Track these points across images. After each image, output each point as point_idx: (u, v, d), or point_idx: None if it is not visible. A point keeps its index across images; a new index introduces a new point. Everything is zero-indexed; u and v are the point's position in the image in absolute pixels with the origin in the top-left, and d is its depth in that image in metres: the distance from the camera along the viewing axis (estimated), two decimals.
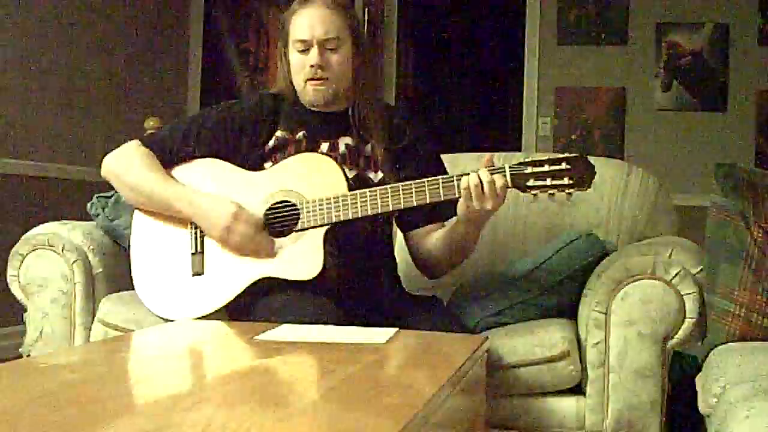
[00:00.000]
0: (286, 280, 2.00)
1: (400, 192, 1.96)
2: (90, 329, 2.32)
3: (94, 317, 2.32)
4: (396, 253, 2.31)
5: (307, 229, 2.00)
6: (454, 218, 2.00)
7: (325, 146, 2.11)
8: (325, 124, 2.13)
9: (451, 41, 7.13)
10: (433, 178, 1.95)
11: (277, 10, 5.13)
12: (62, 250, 2.33)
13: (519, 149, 4.96)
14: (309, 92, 2.09)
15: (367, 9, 5.09)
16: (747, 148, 4.69)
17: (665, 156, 4.76)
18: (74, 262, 2.33)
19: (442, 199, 1.94)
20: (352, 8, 2.19)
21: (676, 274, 1.95)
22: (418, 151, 2.16)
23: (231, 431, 1.05)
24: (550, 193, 1.92)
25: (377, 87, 2.34)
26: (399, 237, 2.37)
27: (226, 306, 2.05)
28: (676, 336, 1.95)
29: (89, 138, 4.29)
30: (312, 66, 2.06)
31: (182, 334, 1.88)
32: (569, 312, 2.16)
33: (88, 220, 2.53)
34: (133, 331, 2.15)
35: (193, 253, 2.08)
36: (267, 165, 2.11)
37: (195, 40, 5.29)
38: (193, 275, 2.07)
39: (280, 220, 2.04)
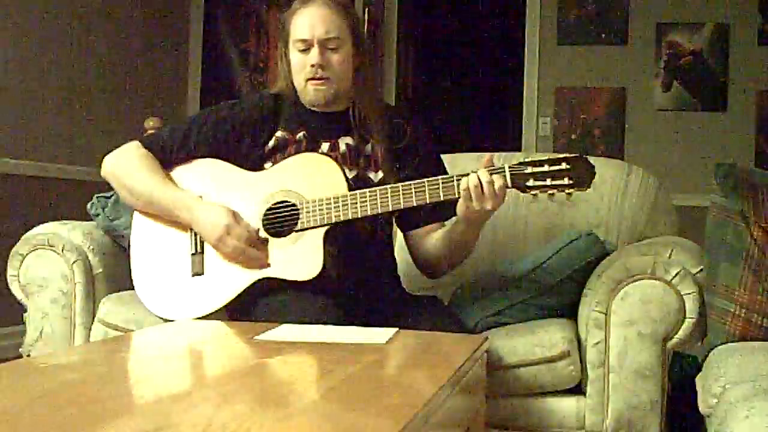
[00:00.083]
0: (286, 280, 2.00)
1: (400, 192, 1.96)
2: (90, 329, 2.32)
3: (94, 317, 2.32)
4: (396, 253, 2.31)
5: (307, 229, 2.00)
6: (454, 218, 2.00)
7: (325, 146, 2.11)
8: (326, 124, 2.13)
9: (451, 41, 7.13)
10: (432, 178, 1.95)
11: (277, 10, 5.13)
12: (62, 250, 2.33)
13: (519, 149, 4.96)
14: (309, 92, 2.09)
15: (367, 9, 5.09)
16: (747, 148, 4.69)
17: (665, 156, 4.76)
18: (74, 262, 2.33)
19: (442, 199, 1.94)
20: (352, 8, 2.19)
21: (676, 274, 1.95)
22: (419, 151, 2.16)
23: (231, 431, 1.05)
24: (549, 194, 1.92)
25: (377, 87, 2.34)
26: (399, 237, 2.37)
27: (226, 306, 2.05)
28: (676, 336, 1.95)
29: (89, 138, 4.29)
30: (313, 65, 2.06)
31: (182, 334, 1.88)
32: (569, 312, 2.16)
33: (88, 220, 2.53)
34: (133, 331, 2.15)
35: (193, 254, 2.08)
36: (267, 165, 2.11)
37: (195, 40, 5.29)
38: (193, 275, 2.07)
39: (280, 221, 2.04)
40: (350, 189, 2.00)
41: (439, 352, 1.70)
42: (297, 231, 2.01)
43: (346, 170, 2.07)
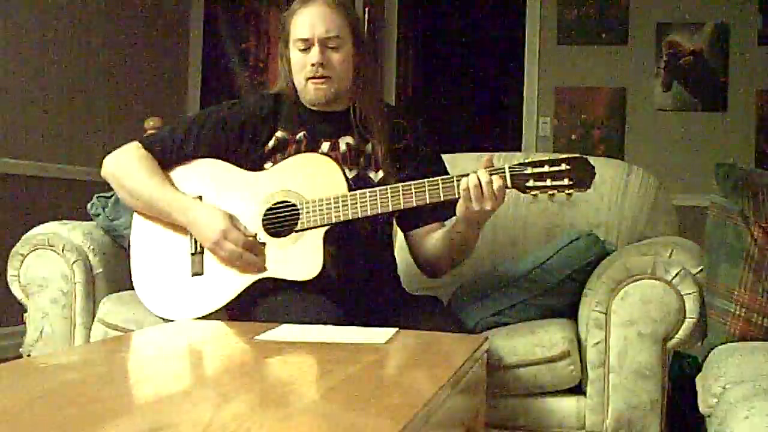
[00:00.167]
0: (286, 280, 2.00)
1: (400, 192, 1.96)
2: (90, 329, 2.32)
3: (94, 317, 2.32)
4: (396, 253, 2.31)
5: (307, 229, 2.00)
6: (454, 218, 2.00)
7: (325, 146, 2.11)
8: (326, 124, 2.13)
9: (451, 41, 7.13)
10: (432, 178, 1.95)
11: (277, 10, 5.13)
12: (62, 250, 2.33)
13: (519, 149, 4.96)
14: (310, 91, 2.09)
15: (367, 9, 5.09)
16: (747, 148, 4.69)
17: (665, 156, 4.76)
18: (74, 262, 2.33)
19: (442, 199, 1.94)
20: (352, 8, 2.19)
21: (676, 274, 1.95)
22: (419, 151, 2.16)
23: (231, 431, 1.05)
24: (549, 194, 1.92)
25: (378, 87, 2.34)
26: (399, 237, 2.38)
27: (226, 306, 2.05)
28: (677, 336, 1.95)
29: (89, 138, 4.29)
30: (313, 64, 2.06)
31: (182, 334, 1.88)
32: (569, 312, 2.16)
33: (88, 220, 2.53)
34: (133, 331, 2.15)
35: (192, 254, 2.08)
36: (267, 165, 2.11)
37: (195, 40, 5.29)
38: (193, 275, 2.07)
39: (280, 221, 2.04)
40: (350, 189, 2.00)
41: (439, 352, 1.70)
42: (297, 231, 2.01)
43: (347, 170, 2.07)
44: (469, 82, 7.18)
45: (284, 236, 2.03)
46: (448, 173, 2.07)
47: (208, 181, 2.12)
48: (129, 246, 2.19)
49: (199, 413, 1.16)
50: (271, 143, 2.12)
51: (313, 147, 2.11)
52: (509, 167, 1.91)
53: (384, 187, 1.98)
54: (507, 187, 1.91)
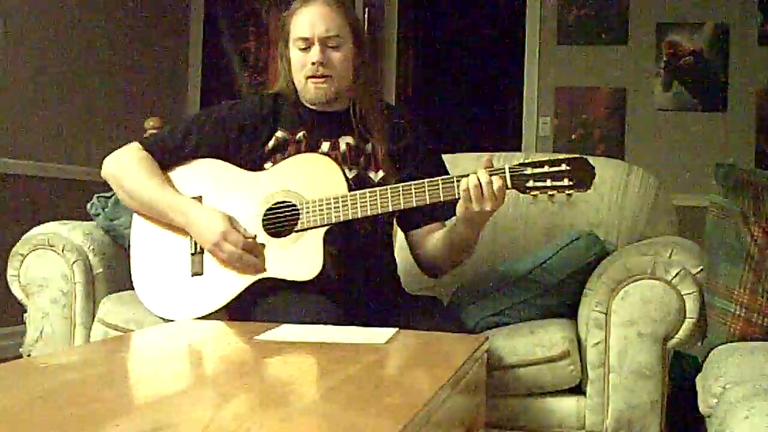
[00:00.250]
0: (286, 280, 2.00)
1: (400, 192, 1.96)
2: (90, 329, 2.32)
3: (94, 317, 2.32)
4: (396, 253, 2.31)
5: (307, 229, 2.00)
6: (455, 218, 2.00)
7: (325, 146, 2.11)
8: (326, 124, 2.13)
9: (451, 41, 7.13)
10: (432, 179, 1.95)
11: (277, 10, 5.13)
12: (62, 250, 2.33)
13: (519, 149, 4.96)
14: (310, 90, 2.09)
15: (367, 9, 5.09)
16: (747, 148, 4.69)
17: (665, 156, 4.76)
18: (74, 262, 2.33)
19: (442, 199, 1.94)
20: (352, 8, 2.19)
21: (676, 274, 1.95)
22: (419, 151, 2.16)
23: (231, 431, 1.05)
24: (549, 194, 1.92)
25: (378, 87, 2.34)
26: (399, 237, 2.38)
27: (226, 306, 2.05)
28: (677, 336, 1.95)
29: (89, 138, 4.29)
30: (313, 63, 2.06)
31: (182, 334, 1.88)
32: (569, 312, 2.16)
33: (88, 220, 2.53)
34: (133, 331, 2.15)
35: (192, 254, 2.08)
36: (267, 165, 2.11)
37: (195, 40, 5.30)
38: (193, 275, 2.07)
39: (281, 221, 2.04)
40: (350, 189, 2.00)
41: (439, 352, 1.70)
42: (297, 231, 2.01)
43: (346, 170, 2.07)
44: (469, 82, 7.18)
45: (284, 236, 2.03)
46: (448, 173, 2.07)
47: (208, 181, 2.12)
48: (129, 246, 2.19)
49: (199, 413, 1.16)
50: (271, 143, 2.12)
51: (313, 147, 2.11)
52: (509, 167, 1.91)
53: (384, 187, 1.98)
54: (507, 188, 1.91)
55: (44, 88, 4.03)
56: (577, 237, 2.17)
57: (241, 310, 2.03)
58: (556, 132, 4.95)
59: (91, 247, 2.39)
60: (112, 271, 2.41)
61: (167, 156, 2.14)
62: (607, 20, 4.89)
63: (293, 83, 2.14)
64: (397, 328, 1.78)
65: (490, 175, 1.89)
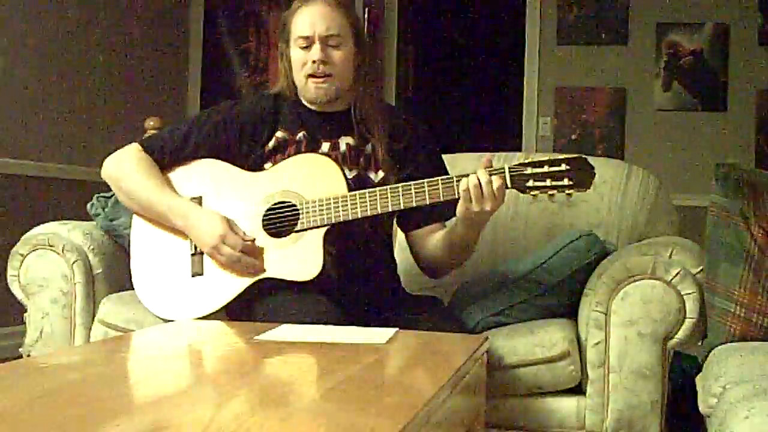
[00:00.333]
0: (286, 281, 2.00)
1: (400, 193, 1.96)
2: (90, 329, 2.32)
3: (94, 317, 2.32)
4: (396, 253, 2.31)
5: (307, 229, 2.00)
6: (455, 219, 2.00)
7: (325, 146, 2.11)
8: (326, 124, 2.13)
9: (451, 41, 7.12)
10: (432, 179, 1.95)
11: (277, 10, 5.13)
12: (62, 250, 2.33)
13: (519, 149, 4.95)
14: (311, 89, 2.09)
15: (367, 9, 5.09)
16: (747, 148, 4.69)
17: (665, 156, 4.76)
18: (74, 262, 2.33)
19: (442, 199, 1.94)
20: (352, 8, 2.19)
21: (676, 274, 1.95)
22: (419, 151, 2.16)
23: (231, 431, 1.05)
24: (549, 194, 1.92)
25: (378, 87, 2.34)
26: (399, 237, 2.38)
27: (226, 306, 2.05)
28: (677, 336, 1.95)
29: (89, 138, 4.29)
30: (314, 62, 2.06)
31: (182, 334, 1.88)
32: (569, 312, 2.16)
33: (88, 220, 2.53)
34: (133, 331, 2.15)
35: (192, 254, 2.08)
36: (267, 165, 2.11)
37: (195, 40, 5.30)
38: (193, 276, 2.07)
39: (281, 221, 2.04)
40: (350, 189, 2.00)
41: (439, 352, 1.70)
42: (297, 231, 2.01)
43: (346, 170, 2.07)
44: (469, 82, 7.18)
45: (284, 236, 2.03)
46: (448, 173, 2.07)
47: (208, 182, 2.12)
48: (129, 246, 2.19)
49: (199, 413, 1.16)
50: (271, 143, 2.12)
51: (313, 147, 2.11)
52: (509, 167, 1.91)
53: (384, 187, 1.98)
54: (507, 188, 1.91)
55: (45, 88, 4.03)
56: (577, 237, 2.17)
57: (241, 310, 2.03)
58: (556, 132, 4.95)
59: (91, 247, 2.39)
60: (112, 271, 2.41)
61: (167, 157, 2.14)
62: (607, 20, 4.88)
63: (294, 83, 2.13)
64: (397, 328, 1.78)
65: (490, 175, 1.89)
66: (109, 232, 2.47)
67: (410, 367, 1.60)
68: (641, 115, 4.85)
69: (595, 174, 1.92)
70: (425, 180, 1.95)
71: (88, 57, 4.33)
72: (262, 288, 2.01)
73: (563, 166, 1.91)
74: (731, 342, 1.86)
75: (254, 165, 2.11)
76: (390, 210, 1.98)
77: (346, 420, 1.16)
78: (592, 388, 1.98)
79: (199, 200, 2.11)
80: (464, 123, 6.95)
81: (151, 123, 3.32)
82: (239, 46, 5.36)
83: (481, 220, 1.96)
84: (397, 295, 2.20)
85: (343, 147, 2.12)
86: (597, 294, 2.00)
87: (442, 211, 2.09)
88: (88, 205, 2.53)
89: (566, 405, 2.01)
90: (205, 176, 2.12)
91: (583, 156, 1.94)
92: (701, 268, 1.99)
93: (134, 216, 2.17)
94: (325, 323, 1.83)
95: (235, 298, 2.03)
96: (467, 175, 1.90)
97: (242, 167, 2.11)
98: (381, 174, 2.11)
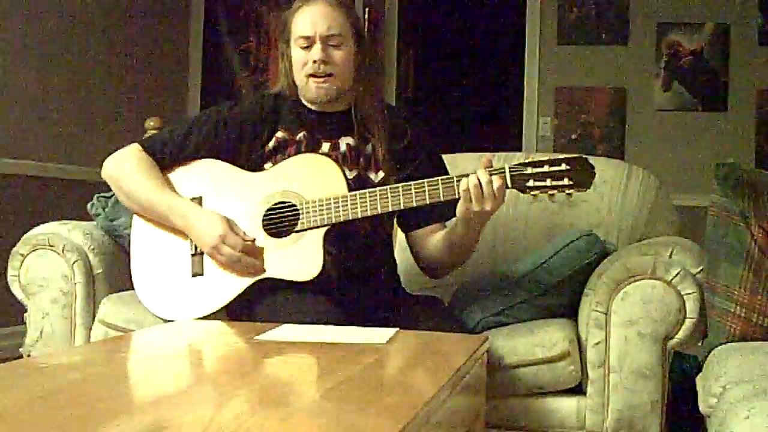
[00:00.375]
0: (286, 281, 2.00)
1: (400, 193, 1.96)
2: (90, 329, 2.32)
3: (94, 317, 2.32)
4: (396, 253, 2.31)
5: (307, 229, 2.00)
6: (455, 219, 2.00)
7: (326, 146, 2.11)
8: (326, 124, 2.13)
9: (451, 41, 7.12)
10: (432, 179, 1.95)
11: (277, 10, 5.13)
12: (62, 250, 2.33)
13: (519, 149, 4.95)
14: (311, 89, 2.09)
15: (367, 9, 5.09)
16: (747, 148, 4.69)
17: (665, 156, 4.76)
18: (74, 262, 2.33)
19: (442, 199, 1.94)
20: (353, 8, 2.19)
21: (676, 274, 1.95)
22: (419, 152, 2.16)
23: (231, 431, 1.05)
24: (550, 194, 1.92)
25: (378, 87, 2.34)
26: (399, 237, 2.38)
27: (226, 306, 2.05)
28: (677, 336, 1.95)
29: (89, 138, 4.29)
30: (315, 61, 2.06)
31: (182, 334, 1.88)
32: (569, 312, 2.16)
33: (88, 220, 2.53)
34: (133, 331, 2.15)
35: (192, 254, 2.08)
36: (267, 166, 2.11)
37: (195, 40, 5.29)
38: (193, 276, 2.07)
39: (281, 221, 2.04)
40: (350, 189, 2.00)
41: (439, 352, 1.70)
42: (297, 231, 2.01)
43: (347, 170, 2.07)
44: (469, 82, 7.18)
45: (284, 236, 2.03)
46: (448, 173, 2.07)
47: (208, 182, 2.12)
48: (129, 246, 2.19)
49: (199, 413, 1.16)
50: (271, 144, 2.12)
51: (313, 147, 2.11)
52: (509, 167, 1.91)
53: (384, 187, 1.98)
54: (507, 187, 1.91)
55: (44, 88, 4.03)
56: (577, 237, 2.17)
57: (241, 311, 2.03)
58: (556, 132, 4.95)
59: (91, 247, 2.39)
60: (113, 271, 2.41)
61: (167, 157, 2.14)
62: (607, 20, 4.88)
63: (294, 83, 2.13)
64: (397, 328, 1.78)
65: (490, 175, 1.89)
66: (109, 232, 2.47)
67: (410, 367, 1.60)
68: (641, 115, 4.85)
69: (595, 174, 1.92)
70: (425, 180, 1.95)
71: (88, 57, 4.33)
72: (262, 288, 2.01)
73: (563, 166, 1.91)
74: (731, 342, 1.86)
75: (254, 165, 2.11)
76: (390, 210, 1.98)
77: (346, 420, 1.16)
78: (593, 388, 1.98)
79: (199, 200, 2.11)
80: (464, 123, 6.95)
81: (151, 123, 3.32)
82: (239, 46, 5.36)
83: (482, 220, 1.97)
84: (397, 295, 2.20)
85: (343, 147, 2.12)
86: (597, 294, 2.00)
87: (442, 211, 2.09)
88: (89, 205, 2.53)
89: (566, 405, 2.01)
90: (205, 176, 2.12)
91: (583, 156, 1.94)
92: (701, 268, 1.99)
93: (134, 216, 2.17)
94: (325, 323, 1.83)
95: (235, 298, 2.03)
96: (467, 175, 1.90)
97: (242, 167, 2.11)
98: (381, 174, 2.11)
